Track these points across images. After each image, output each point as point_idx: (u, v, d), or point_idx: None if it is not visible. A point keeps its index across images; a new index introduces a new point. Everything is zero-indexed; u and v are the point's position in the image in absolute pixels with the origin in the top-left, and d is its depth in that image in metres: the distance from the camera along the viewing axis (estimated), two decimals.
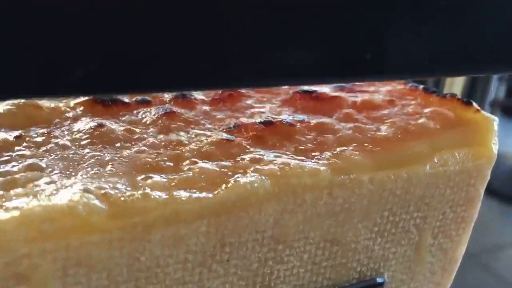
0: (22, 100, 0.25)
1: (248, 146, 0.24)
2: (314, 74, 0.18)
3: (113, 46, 0.14)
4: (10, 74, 0.14)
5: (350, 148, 0.24)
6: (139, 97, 0.28)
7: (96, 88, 0.14)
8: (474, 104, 0.29)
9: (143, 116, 0.26)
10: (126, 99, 0.28)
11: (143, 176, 0.21)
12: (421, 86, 0.31)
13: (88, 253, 0.18)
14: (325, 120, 0.26)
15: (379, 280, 0.26)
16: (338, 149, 0.24)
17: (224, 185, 0.21)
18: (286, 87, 0.31)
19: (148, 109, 0.27)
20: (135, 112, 0.27)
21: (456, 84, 0.45)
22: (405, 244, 0.27)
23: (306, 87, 0.30)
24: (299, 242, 0.23)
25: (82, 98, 0.27)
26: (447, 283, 0.30)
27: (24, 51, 0.14)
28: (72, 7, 0.13)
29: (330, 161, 0.23)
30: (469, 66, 0.20)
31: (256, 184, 0.21)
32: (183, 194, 0.20)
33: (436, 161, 0.25)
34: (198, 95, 0.29)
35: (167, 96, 0.29)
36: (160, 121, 0.25)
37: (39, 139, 0.23)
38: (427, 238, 0.27)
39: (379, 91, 0.31)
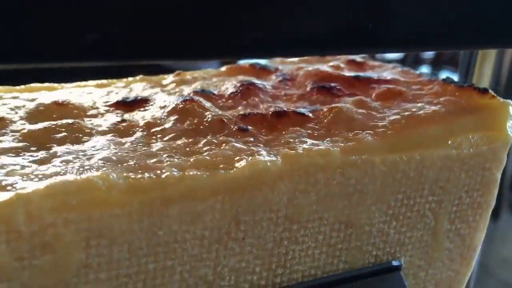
0: (48, 101, 0.27)
1: (262, 134, 0.25)
2: (316, 45, 0.18)
3: (128, 13, 0.15)
4: (16, 38, 0.15)
5: (362, 131, 0.25)
6: None
7: (109, 55, 0.15)
8: (491, 91, 0.29)
9: (163, 105, 0.27)
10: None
11: (160, 157, 0.22)
12: (440, 78, 0.31)
13: (109, 225, 0.19)
14: (338, 105, 0.27)
15: (394, 263, 0.26)
16: (350, 132, 0.25)
17: (237, 164, 0.22)
18: (301, 85, 0.32)
19: (168, 99, 0.28)
20: (154, 104, 0.28)
21: (483, 80, 0.45)
22: (421, 229, 0.27)
23: (323, 83, 0.31)
24: (314, 222, 0.24)
25: (108, 100, 0.28)
26: (467, 271, 0.30)
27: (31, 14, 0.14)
28: None
29: (342, 143, 0.24)
30: (475, 39, 0.20)
31: (268, 163, 0.22)
32: (198, 171, 0.21)
33: (449, 143, 0.25)
34: (214, 90, 0.30)
35: (187, 92, 0.30)
36: (179, 107, 0.26)
37: (64, 129, 0.24)
38: (444, 223, 0.27)
39: (396, 81, 0.31)
